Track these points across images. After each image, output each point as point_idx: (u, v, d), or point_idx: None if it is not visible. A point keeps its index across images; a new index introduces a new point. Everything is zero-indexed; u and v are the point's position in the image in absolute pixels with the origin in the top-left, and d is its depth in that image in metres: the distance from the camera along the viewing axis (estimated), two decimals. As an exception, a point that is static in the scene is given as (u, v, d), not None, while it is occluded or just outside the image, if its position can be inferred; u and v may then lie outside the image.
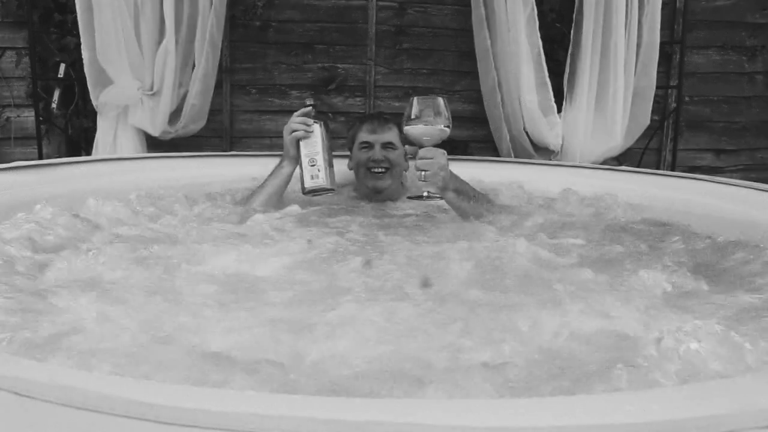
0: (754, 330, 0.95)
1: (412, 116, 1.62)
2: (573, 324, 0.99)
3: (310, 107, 1.92)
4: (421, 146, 1.66)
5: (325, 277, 1.24)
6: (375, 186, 2.09)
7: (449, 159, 1.73)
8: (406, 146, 1.78)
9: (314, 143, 1.88)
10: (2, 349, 0.84)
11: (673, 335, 0.88)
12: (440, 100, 1.63)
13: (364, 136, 2.11)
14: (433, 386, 0.80)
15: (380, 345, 0.92)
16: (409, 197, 1.78)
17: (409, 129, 1.65)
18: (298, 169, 1.91)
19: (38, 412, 0.56)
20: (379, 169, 2.07)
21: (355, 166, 2.14)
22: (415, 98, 1.64)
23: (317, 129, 1.89)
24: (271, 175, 1.98)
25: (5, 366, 0.65)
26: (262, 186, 1.98)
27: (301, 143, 1.89)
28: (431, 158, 1.66)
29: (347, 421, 0.55)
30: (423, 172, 1.65)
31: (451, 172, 1.75)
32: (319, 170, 1.85)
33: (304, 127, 1.88)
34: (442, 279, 1.23)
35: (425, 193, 1.66)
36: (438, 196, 1.68)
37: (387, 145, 2.09)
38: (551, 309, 1.04)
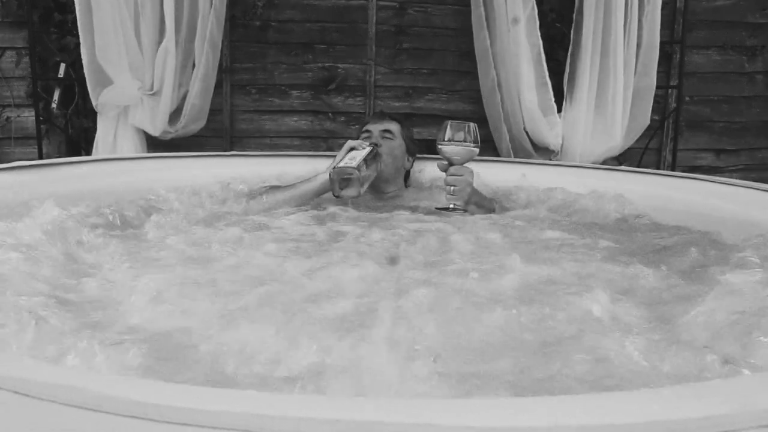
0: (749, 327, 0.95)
1: (446, 137, 1.82)
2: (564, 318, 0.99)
3: (375, 143, 2.06)
4: (451, 164, 1.84)
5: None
6: None
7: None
8: (438, 163, 1.90)
9: (361, 152, 1.98)
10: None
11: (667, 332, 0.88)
12: (471, 125, 1.83)
13: (367, 126, 2.21)
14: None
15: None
16: (438, 208, 1.88)
17: (442, 147, 1.83)
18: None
19: (38, 412, 0.56)
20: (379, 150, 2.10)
21: None
22: (449, 122, 1.84)
23: (367, 147, 2.00)
24: (305, 180, 2.00)
25: (5, 366, 0.65)
26: (292, 185, 2.00)
27: (351, 152, 1.99)
28: (460, 175, 1.83)
29: (348, 421, 0.55)
30: (452, 187, 1.83)
31: (473, 187, 1.89)
32: (353, 159, 1.92)
33: (360, 142, 2.01)
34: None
35: (451, 205, 1.84)
36: (463, 209, 1.84)
37: (385, 132, 2.16)
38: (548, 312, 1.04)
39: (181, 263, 1.30)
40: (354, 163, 1.89)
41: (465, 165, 1.85)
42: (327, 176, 1.94)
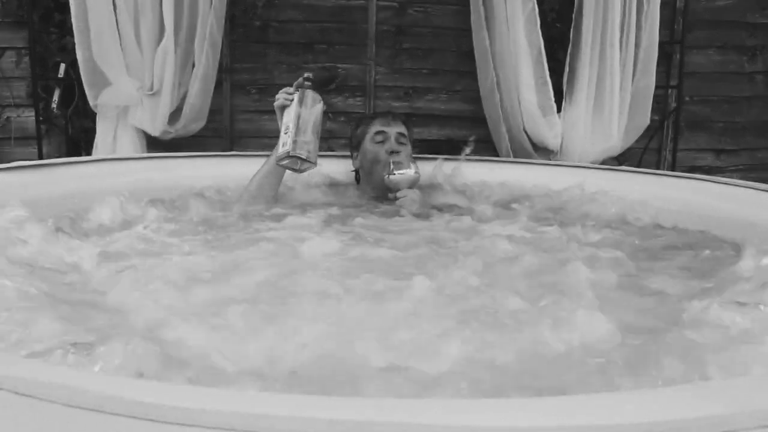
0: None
1: (391, 170, 2.03)
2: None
3: (302, 78, 1.87)
4: (398, 189, 2.02)
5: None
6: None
7: (448, 159, 2.32)
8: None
9: (291, 110, 1.82)
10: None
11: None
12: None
13: (378, 127, 2.12)
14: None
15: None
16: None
17: (391, 178, 2.02)
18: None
19: (38, 412, 0.56)
20: (399, 158, 2.04)
21: (371, 160, 2.11)
22: (390, 159, 2.05)
23: (296, 97, 1.82)
24: (268, 159, 1.96)
25: (5, 366, 0.65)
26: (259, 169, 1.97)
27: (284, 114, 1.85)
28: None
29: (347, 421, 0.55)
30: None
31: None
32: (288, 136, 1.77)
33: (285, 95, 1.86)
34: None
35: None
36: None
37: (401, 137, 2.11)
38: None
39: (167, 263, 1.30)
40: (288, 146, 1.76)
41: (411, 188, 2.02)
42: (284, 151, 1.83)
